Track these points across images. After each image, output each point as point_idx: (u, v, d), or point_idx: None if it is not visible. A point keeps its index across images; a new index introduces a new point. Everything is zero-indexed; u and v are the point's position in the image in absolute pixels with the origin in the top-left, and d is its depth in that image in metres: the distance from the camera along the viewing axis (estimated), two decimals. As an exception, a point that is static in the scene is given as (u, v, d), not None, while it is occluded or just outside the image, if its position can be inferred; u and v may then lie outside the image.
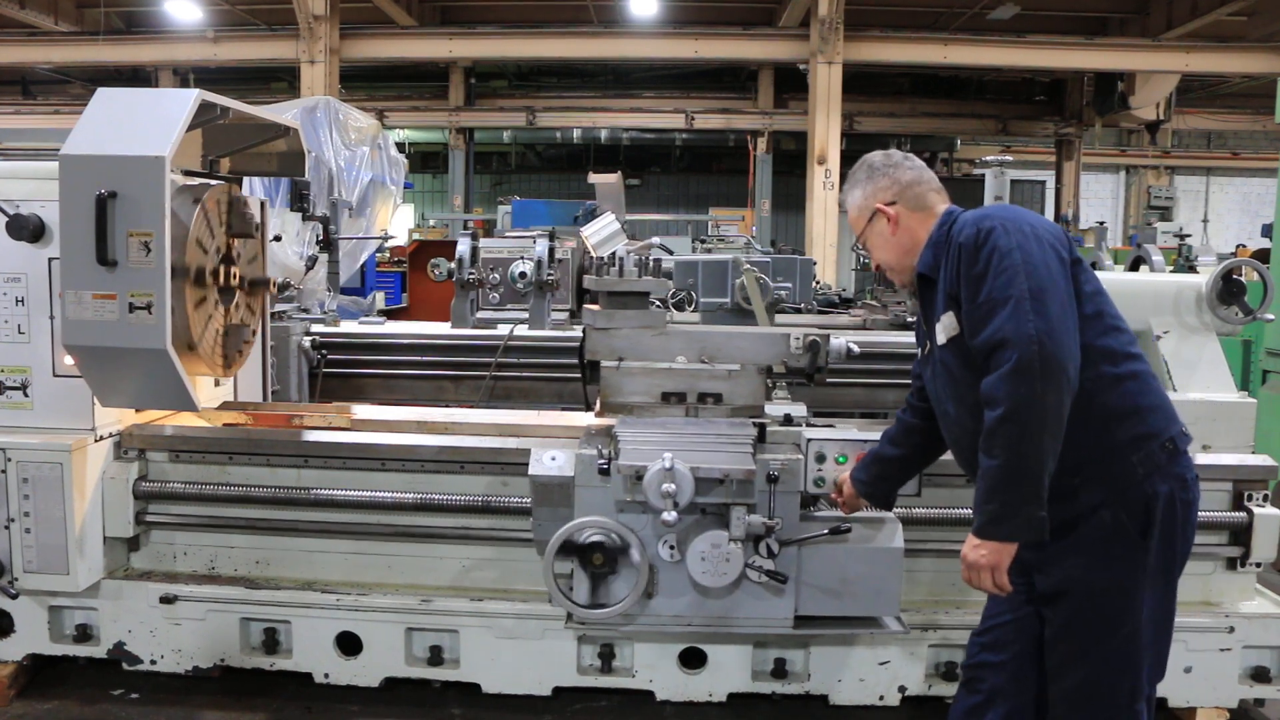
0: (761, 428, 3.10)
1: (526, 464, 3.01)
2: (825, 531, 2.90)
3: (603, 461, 2.88)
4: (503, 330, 5.00)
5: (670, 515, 2.70)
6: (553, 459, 3.01)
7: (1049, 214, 21.01)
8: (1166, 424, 2.32)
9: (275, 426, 3.68)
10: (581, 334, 3.26)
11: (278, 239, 4.61)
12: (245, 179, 4.42)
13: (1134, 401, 2.30)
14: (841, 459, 2.88)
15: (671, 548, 2.91)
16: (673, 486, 2.69)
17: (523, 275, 5.90)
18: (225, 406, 3.88)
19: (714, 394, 3.14)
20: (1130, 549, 2.29)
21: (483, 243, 5.88)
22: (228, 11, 16.05)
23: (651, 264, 3.34)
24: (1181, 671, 3.28)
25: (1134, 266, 4.19)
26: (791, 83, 18.34)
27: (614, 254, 3.41)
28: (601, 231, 3.67)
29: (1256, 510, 3.32)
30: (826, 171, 14.39)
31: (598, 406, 3.23)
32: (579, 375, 3.43)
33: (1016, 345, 2.13)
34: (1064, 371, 2.13)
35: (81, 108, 3.12)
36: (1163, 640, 2.40)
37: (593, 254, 3.64)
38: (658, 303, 4.20)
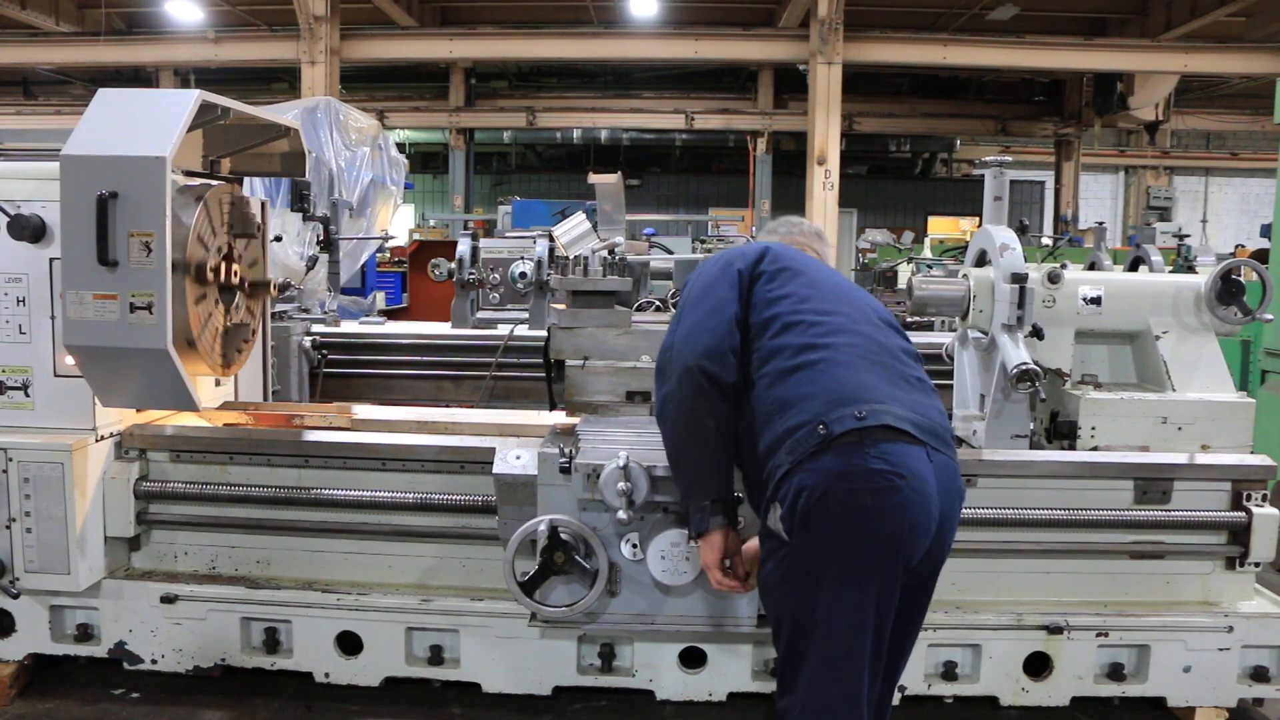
0: None
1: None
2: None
3: (564, 460, 2.87)
4: (503, 330, 5.02)
5: (624, 514, 2.70)
6: (517, 458, 3.03)
7: (1048, 214, 21.10)
8: (826, 409, 2.15)
9: (276, 426, 3.69)
10: (546, 333, 3.28)
11: (278, 239, 4.62)
12: (246, 179, 4.42)
13: (796, 390, 2.23)
14: None
15: (634, 546, 2.91)
16: (627, 485, 2.69)
17: (523, 275, 5.92)
18: (226, 406, 3.89)
19: None
20: (778, 546, 2.23)
21: (483, 243, 5.90)
22: (228, 12, 16.06)
23: (617, 262, 3.35)
24: (1180, 671, 3.29)
25: (1133, 267, 4.19)
26: (791, 83, 18.36)
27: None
28: (572, 231, 3.66)
29: (1255, 510, 3.32)
30: (826, 172, 14.40)
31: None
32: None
33: (659, 355, 2.46)
34: (687, 370, 2.33)
35: (82, 108, 3.12)
36: (838, 655, 2.18)
37: (563, 253, 3.65)
38: (657, 303, 4.22)
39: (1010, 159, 3.94)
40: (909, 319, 5.57)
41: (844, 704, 2.21)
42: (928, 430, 2.22)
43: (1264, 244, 9.85)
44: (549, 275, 4.92)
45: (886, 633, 2.24)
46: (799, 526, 2.16)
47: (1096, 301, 3.62)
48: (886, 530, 2.13)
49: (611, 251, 3.45)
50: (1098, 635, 3.28)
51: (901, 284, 8.92)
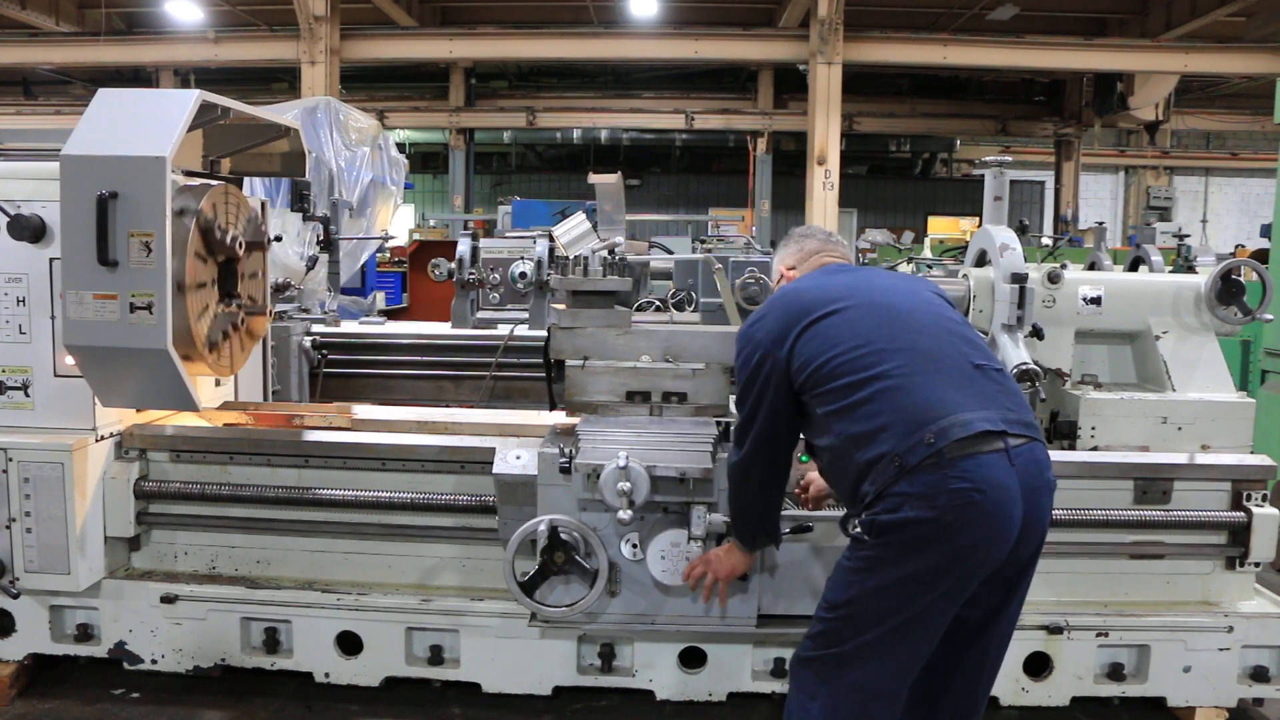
0: (726, 426, 3.09)
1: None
2: (787, 530, 2.90)
3: (564, 460, 2.88)
4: (503, 330, 5.01)
5: (625, 514, 2.71)
6: (517, 458, 3.03)
7: (1048, 214, 21.08)
8: (897, 441, 2.26)
9: (276, 426, 3.69)
10: (546, 333, 3.28)
11: (278, 239, 4.60)
12: (246, 179, 4.42)
13: (864, 425, 2.33)
14: (804, 458, 2.89)
15: (634, 546, 2.92)
16: (628, 485, 2.70)
17: (523, 275, 5.91)
18: (226, 406, 3.88)
19: (678, 393, 3.16)
20: (857, 545, 2.34)
21: (483, 243, 5.89)
22: (228, 12, 16.06)
23: (617, 262, 3.35)
24: (1180, 671, 3.29)
25: (1133, 267, 4.19)
26: (791, 83, 18.36)
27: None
28: (572, 231, 3.66)
29: (1255, 510, 3.32)
30: (826, 172, 14.40)
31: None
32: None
33: (735, 427, 2.67)
34: (745, 459, 2.60)
35: (83, 108, 3.12)
36: (886, 645, 2.32)
37: (563, 253, 3.65)
38: (658, 302, 4.21)
39: (1010, 159, 3.94)
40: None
41: (876, 689, 2.34)
42: (1004, 420, 2.27)
43: (1264, 244, 9.85)
44: (549, 275, 4.90)
45: (940, 634, 2.35)
46: (878, 533, 2.28)
47: (1096, 301, 3.62)
48: (963, 542, 2.23)
49: (611, 251, 3.44)
50: (1098, 635, 3.28)
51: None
